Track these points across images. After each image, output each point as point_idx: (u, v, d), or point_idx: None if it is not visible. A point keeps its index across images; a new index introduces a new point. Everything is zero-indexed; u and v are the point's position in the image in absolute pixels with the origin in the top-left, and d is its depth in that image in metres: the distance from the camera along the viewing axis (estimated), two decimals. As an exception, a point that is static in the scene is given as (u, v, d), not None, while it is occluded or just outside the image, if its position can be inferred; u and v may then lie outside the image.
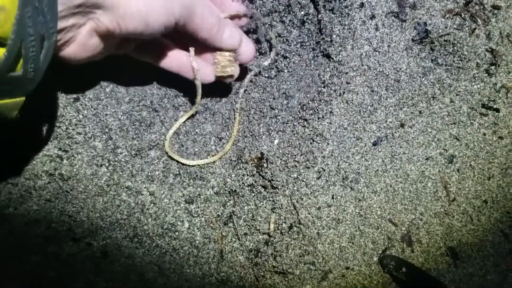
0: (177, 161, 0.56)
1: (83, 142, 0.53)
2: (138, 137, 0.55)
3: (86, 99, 0.54)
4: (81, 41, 0.40)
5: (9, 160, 0.50)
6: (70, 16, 0.37)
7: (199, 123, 0.59)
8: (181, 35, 0.47)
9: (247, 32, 0.60)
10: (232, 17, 0.54)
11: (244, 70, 0.60)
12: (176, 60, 0.52)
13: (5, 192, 0.51)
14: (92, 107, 0.54)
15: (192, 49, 0.51)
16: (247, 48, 0.55)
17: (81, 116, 0.53)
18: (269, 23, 0.60)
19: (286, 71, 0.62)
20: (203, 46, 0.51)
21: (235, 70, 0.54)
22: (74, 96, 0.53)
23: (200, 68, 0.53)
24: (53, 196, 0.51)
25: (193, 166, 0.56)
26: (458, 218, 0.58)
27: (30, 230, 0.50)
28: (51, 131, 0.51)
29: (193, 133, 0.58)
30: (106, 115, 0.54)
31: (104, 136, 0.54)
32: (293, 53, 0.62)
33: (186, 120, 0.57)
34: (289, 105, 0.60)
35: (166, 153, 0.56)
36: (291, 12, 0.61)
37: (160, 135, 0.57)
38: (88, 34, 0.40)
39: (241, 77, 0.61)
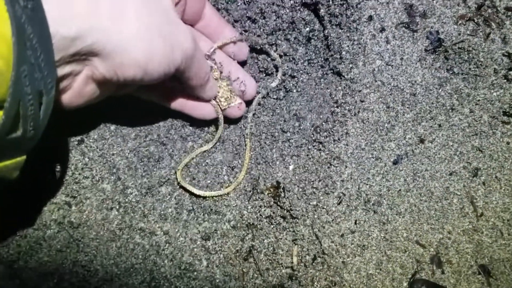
0: (190, 193, 0.53)
1: (91, 186, 0.50)
2: (147, 174, 0.53)
3: (91, 140, 0.52)
4: (76, 89, 0.38)
5: (15, 211, 0.48)
6: (66, 65, 0.35)
7: (209, 153, 0.57)
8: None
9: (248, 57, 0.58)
10: (224, 45, 0.53)
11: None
12: (182, 99, 0.51)
13: (13, 245, 0.48)
14: (97, 148, 0.51)
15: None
16: (249, 84, 0.55)
17: (87, 159, 0.50)
18: (268, 43, 0.58)
19: (295, 91, 0.60)
20: (183, 93, 0.51)
21: (240, 102, 0.54)
22: (78, 138, 0.51)
23: (201, 106, 0.53)
24: (64, 246, 0.49)
25: (206, 198, 0.54)
26: (487, 233, 0.55)
27: (42, 284, 0.47)
28: (57, 178, 0.49)
29: (203, 164, 0.56)
30: (113, 154, 0.52)
31: (112, 177, 0.51)
32: (301, 71, 0.59)
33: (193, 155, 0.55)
34: (301, 127, 0.57)
35: (179, 184, 0.53)
36: (296, 29, 0.59)
37: (170, 170, 0.54)
38: (84, 81, 0.38)
39: (248, 101, 0.59)
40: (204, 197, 0.54)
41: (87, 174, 0.50)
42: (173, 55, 0.38)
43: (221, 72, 0.53)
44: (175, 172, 0.54)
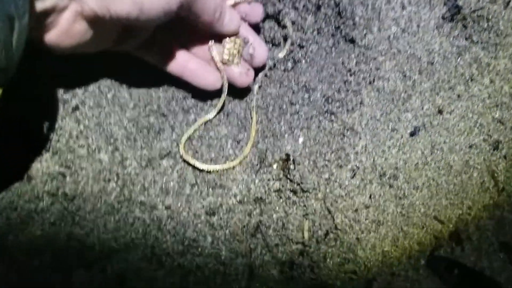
0: (193, 167, 0.50)
1: (86, 155, 0.47)
2: (147, 146, 0.49)
3: (86, 108, 0.48)
4: (63, 27, 0.34)
5: (4, 182, 0.45)
6: None
7: (213, 126, 0.53)
8: (175, 23, 0.41)
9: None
10: (236, 4, 0.49)
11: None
12: (183, 63, 0.47)
13: (3, 218, 0.44)
14: (94, 116, 0.48)
15: (212, 41, 0.46)
16: (260, 50, 0.50)
17: (82, 127, 0.47)
18: (283, 9, 0.54)
19: (303, 61, 0.56)
20: (199, 36, 0.46)
21: (248, 68, 0.49)
22: (73, 104, 0.47)
23: (203, 74, 0.48)
24: (58, 219, 0.45)
25: (211, 172, 0.50)
26: (509, 209, 0.52)
27: (34, 260, 0.44)
28: (50, 146, 0.46)
29: (207, 138, 0.52)
30: (110, 124, 0.48)
31: (109, 147, 0.48)
32: (310, 41, 0.56)
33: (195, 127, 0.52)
34: (311, 99, 0.54)
35: (181, 157, 0.50)
36: (305, -4, 0.56)
37: (172, 142, 0.51)
38: (71, 18, 0.34)
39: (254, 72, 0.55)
40: (208, 171, 0.50)
41: (82, 143, 0.47)
42: None
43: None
44: (177, 145, 0.50)
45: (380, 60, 0.51)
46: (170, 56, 0.46)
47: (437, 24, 0.53)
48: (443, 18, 0.53)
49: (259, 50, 0.50)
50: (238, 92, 0.53)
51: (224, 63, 0.48)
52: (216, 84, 0.49)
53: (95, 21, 0.35)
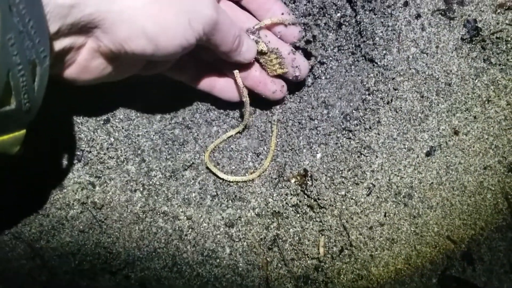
0: (215, 176, 0.52)
1: (115, 166, 0.49)
2: (172, 158, 0.51)
3: (117, 120, 0.50)
4: (82, 63, 0.35)
5: (38, 189, 0.47)
6: (65, 36, 0.32)
7: (234, 139, 0.55)
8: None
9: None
10: (272, 25, 0.49)
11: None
12: (212, 81, 0.48)
13: (35, 224, 0.47)
14: (123, 129, 0.50)
15: (236, 71, 0.47)
16: (303, 65, 0.51)
17: (112, 139, 0.49)
18: (318, 33, 0.56)
19: (323, 78, 0.57)
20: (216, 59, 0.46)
21: (282, 85, 0.51)
22: (104, 117, 0.49)
23: (230, 88, 0.49)
24: (87, 227, 0.47)
25: (231, 184, 0.52)
26: (522, 231, 0.53)
27: (63, 264, 0.46)
28: (81, 157, 0.48)
29: (228, 150, 0.54)
30: (138, 136, 0.50)
31: (137, 158, 0.50)
32: (331, 58, 0.57)
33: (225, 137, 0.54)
34: (330, 115, 0.55)
35: (206, 166, 0.52)
36: (326, 15, 0.57)
37: (195, 154, 0.53)
38: (89, 55, 0.35)
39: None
40: (229, 182, 0.52)
41: (112, 154, 0.49)
42: (190, 26, 0.34)
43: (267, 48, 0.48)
44: (203, 154, 0.52)
45: (398, 80, 0.52)
46: (199, 76, 0.47)
47: (456, 46, 0.53)
48: (462, 39, 0.53)
49: (303, 64, 0.51)
50: (259, 105, 0.55)
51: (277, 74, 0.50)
52: (237, 97, 0.50)
53: (112, 57, 0.35)
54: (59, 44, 0.32)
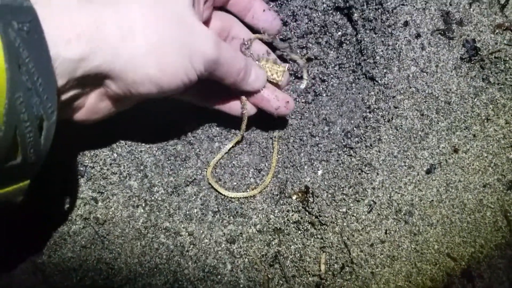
0: (217, 192, 0.52)
1: (118, 182, 0.49)
2: (174, 173, 0.52)
3: (120, 136, 0.51)
4: (90, 106, 0.36)
5: (41, 204, 0.47)
6: (73, 88, 0.32)
7: (235, 155, 0.56)
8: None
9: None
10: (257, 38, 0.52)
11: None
12: (221, 101, 0.49)
13: (38, 238, 0.47)
14: (126, 144, 0.50)
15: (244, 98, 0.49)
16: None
17: (115, 155, 0.49)
18: (299, 46, 0.57)
19: (324, 95, 0.58)
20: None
21: (287, 101, 0.51)
22: (107, 133, 0.50)
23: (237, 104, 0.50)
24: (89, 242, 0.47)
25: (232, 200, 0.53)
26: (521, 249, 0.53)
27: (65, 280, 0.46)
28: (84, 172, 0.48)
29: (230, 166, 0.55)
30: (141, 151, 0.51)
31: (139, 174, 0.50)
32: (332, 76, 0.58)
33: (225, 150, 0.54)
34: (331, 132, 0.56)
35: (208, 182, 0.52)
36: (327, 33, 0.58)
37: (196, 170, 0.53)
38: (96, 99, 0.36)
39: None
40: (230, 198, 0.53)
41: (115, 170, 0.49)
42: (191, 64, 0.35)
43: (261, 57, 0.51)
44: (205, 169, 0.53)
45: (399, 98, 0.53)
46: (207, 97, 0.48)
47: (455, 65, 0.54)
48: (461, 59, 0.54)
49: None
50: (260, 121, 0.55)
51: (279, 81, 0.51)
52: (251, 112, 0.50)
53: (119, 98, 0.36)
54: (67, 95, 0.32)
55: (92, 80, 0.33)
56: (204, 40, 0.36)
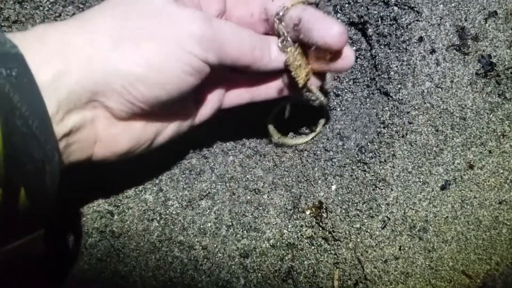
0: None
1: (133, 195, 0.50)
2: (188, 187, 0.53)
3: (136, 149, 0.52)
4: (102, 137, 0.33)
5: (57, 217, 0.48)
6: (69, 114, 0.30)
7: (249, 168, 0.56)
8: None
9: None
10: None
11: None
12: (241, 97, 0.44)
13: (55, 251, 0.48)
14: (142, 157, 0.51)
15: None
16: (346, 51, 0.38)
17: (131, 168, 0.51)
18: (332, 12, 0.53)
19: (338, 109, 0.59)
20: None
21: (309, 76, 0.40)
22: (124, 147, 0.51)
23: (266, 87, 0.43)
24: (105, 255, 0.48)
25: (246, 215, 0.53)
26: (538, 267, 0.53)
27: (81, 292, 0.48)
28: (101, 185, 0.49)
29: (244, 180, 0.55)
30: (156, 165, 0.52)
31: (154, 188, 0.51)
32: (346, 90, 0.58)
33: (237, 164, 0.55)
34: (345, 147, 0.56)
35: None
36: (342, 47, 0.58)
37: (211, 183, 0.54)
38: (105, 125, 0.33)
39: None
40: (244, 213, 0.53)
41: (131, 183, 0.50)
42: (183, 50, 0.31)
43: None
44: (219, 183, 0.54)
45: (413, 114, 0.53)
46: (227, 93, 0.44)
47: (471, 80, 0.54)
48: (476, 74, 0.55)
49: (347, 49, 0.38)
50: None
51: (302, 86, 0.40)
52: (279, 90, 0.43)
53: (130, 116, 0.34)
54: (66, 126, 0.30)
55: (84, 99, 0.30)
56: (188, 20, 0.32)
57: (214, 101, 0.42)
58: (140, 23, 0.31)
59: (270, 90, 0.43)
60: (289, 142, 0.55)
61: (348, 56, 0.38)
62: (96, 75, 0.30)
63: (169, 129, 0.39)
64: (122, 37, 0.30)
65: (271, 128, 0.54)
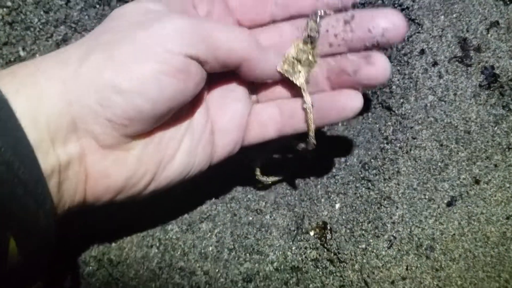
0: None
1: (131, 221, 0.49)
2: (189, 209, 0.51)
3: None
4: (95, 173, 0.31)
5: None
6: (55, 147, 0.28)
7: (250, 187, 0.55)
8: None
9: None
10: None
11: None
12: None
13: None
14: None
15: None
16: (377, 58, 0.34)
17: (128, 193, 0.49)
18: None
19: (340, 124, 0.58)
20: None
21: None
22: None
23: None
24: (103, 284, 0.47)
25: (248, 237, 0.52)
26: (547, 283, 0.52)
27: (80, 325, 0.46)
28: (98, 212, 0.48)
29: (245, 200, 0.54)
30: (154, 188, 0.51)
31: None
32: (346, 104, 0.58)
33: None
34: (348, 163, 0.55)
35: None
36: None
37: (211, 205, 0.53)
38: (96, 157, 0.30)
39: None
40: (246, 235, 0.52)
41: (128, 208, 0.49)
42: (166, 50, 0.29)
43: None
44: (220, 205, 0.52)
45: (417, 129, 0.52)
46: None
47: (474, 93, 0.53)
48: (480, 86, 0.54)
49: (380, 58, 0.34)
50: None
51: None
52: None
53: (119, 144, 0.31)
54: (55, 161, 0.28)
55: (65, 129, 0.28)
56: (169, 20, 0.29)
57: (234, 131, 0.38)
58: (111, 36, 0.29)
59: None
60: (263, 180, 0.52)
61: (381, 64, 0.34)
62: (69, 95, 0.28)
63: (176, 162, 0.35)
64: (90, 51, 0.29)
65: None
